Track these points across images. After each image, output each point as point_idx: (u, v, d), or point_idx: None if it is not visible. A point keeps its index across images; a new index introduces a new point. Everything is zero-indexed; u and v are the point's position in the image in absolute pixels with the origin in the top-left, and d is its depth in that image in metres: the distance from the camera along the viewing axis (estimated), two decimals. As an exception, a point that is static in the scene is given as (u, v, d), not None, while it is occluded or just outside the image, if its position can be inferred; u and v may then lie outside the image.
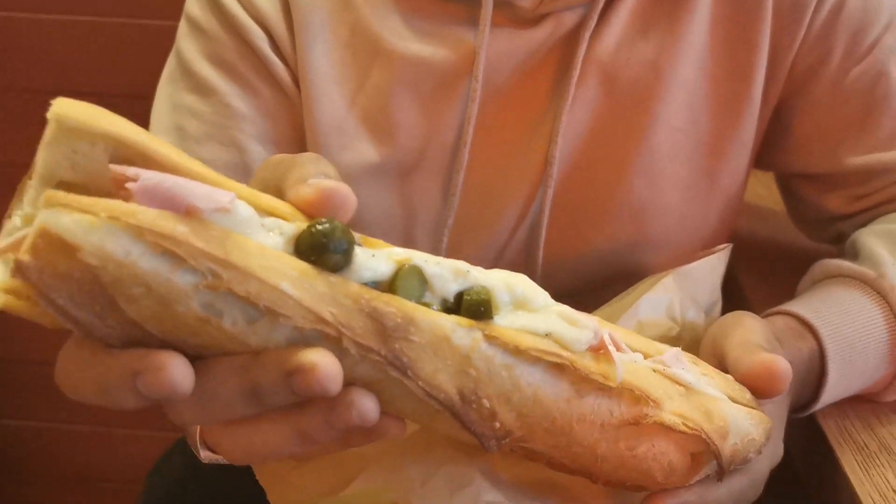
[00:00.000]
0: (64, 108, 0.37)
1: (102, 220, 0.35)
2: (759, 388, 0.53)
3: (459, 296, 0.43)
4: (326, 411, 0.40)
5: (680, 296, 0.66)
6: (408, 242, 0.78)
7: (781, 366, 0.53)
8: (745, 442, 0.50)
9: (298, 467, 0.54)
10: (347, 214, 0.42)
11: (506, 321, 0.43)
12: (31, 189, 0.39)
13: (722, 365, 0.57)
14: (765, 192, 1.10)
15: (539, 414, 0.43)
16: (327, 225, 0.40)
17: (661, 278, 0.67)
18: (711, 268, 0.70)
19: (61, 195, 0.35)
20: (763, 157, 0.84)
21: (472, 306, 0.42)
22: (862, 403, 0.72)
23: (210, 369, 0.39)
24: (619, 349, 0.47)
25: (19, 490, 1.71)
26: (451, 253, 0.78)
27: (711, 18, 0.75)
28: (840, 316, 0.69)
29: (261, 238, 0.39)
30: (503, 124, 0.76)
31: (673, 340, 0.64)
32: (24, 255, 0.35)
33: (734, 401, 0.50)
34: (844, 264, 0.74)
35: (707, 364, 0.53)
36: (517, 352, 0.42)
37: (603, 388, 0.45)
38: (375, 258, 0.41)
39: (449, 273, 0.43)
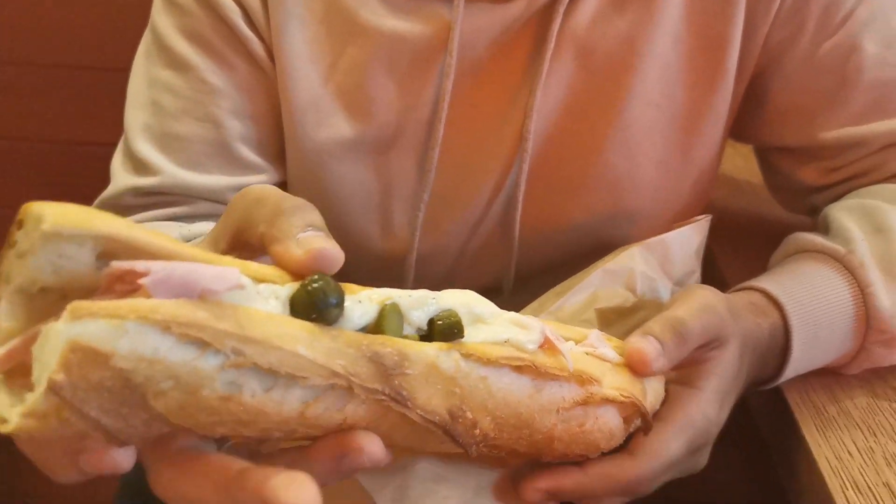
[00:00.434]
0: (54, 216, 0.38)
1: (130, 321, 0.36)
2: (629, 365, 0.55)
3: (430, 322, 0.46)
4: (338, 459, 0.43)
5: (643, 268, 0.68)
6: (385, 217, 0.80)
7: (648, 353, 0.55)
8: (657, 396, 0.57)
9: None
10: (335, 270, 0.44)
11: (470, 337, 0.47)
12: (2, 301, 0.39)
13: None
14: (742, 163, 1.12)
15: (508, 413, 0.48)
16: (321, 283, 0.42)
17: (626, 249, 0.69)
18: (684, 239, 0.72)
19: (86, 305, 0.36)
20: (739, 130, 0.85)
21: (446, 329, 0.46)
22: (824, 372, 0.74)
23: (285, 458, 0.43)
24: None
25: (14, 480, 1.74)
26: (428, 227, 0.80)
27: None
28: (807, 291, 0.71)
29: (261, 306, 0.41)
30: (479, 99, 0.77)
31: (629, 311, 0.67)
32: (58, 375, 0.35)
33: None
34: (817, 239, 0.75)
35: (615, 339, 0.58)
36: (488, 362, 0.46)
37: (556, 378, 0.49)
38: (362, 303, 0.44)
39: (418, 303, 0.46)
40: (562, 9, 0.74)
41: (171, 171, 0.77)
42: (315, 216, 0.46)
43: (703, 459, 0.61)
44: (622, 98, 0.77)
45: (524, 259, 0.82)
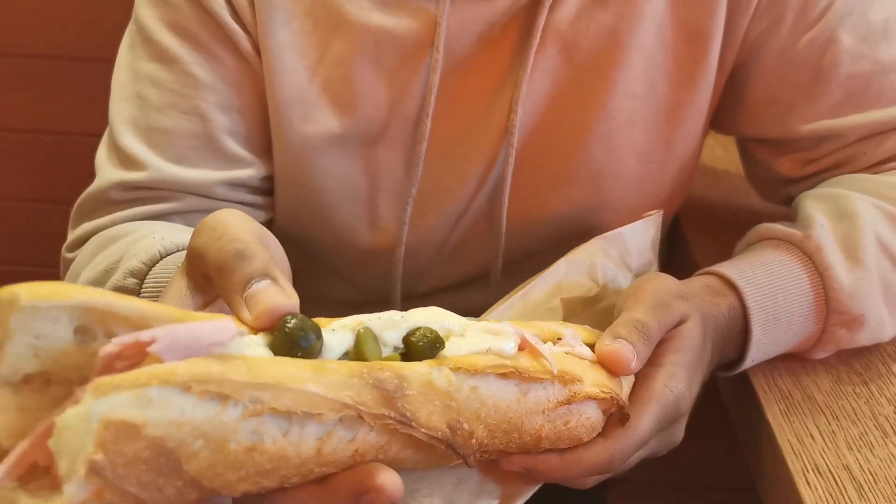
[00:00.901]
0: (27, 293, 0.38)
1: (153, 387, 0.37)
2: (606, 369, 0.57)
3: (408, 342, 0.48)
4: (356, 497, 0.43)
5: (603, 259, 0.70)
6: (372, 211, 0.81)
7: (621, 355, 0.57)
8: (629, 384, 0.60)
9: None
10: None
11: (451, 350, 0.49)
12: None
13: None
14: (722, 153, 1.13)
15: (499, 419, 0.49)
16: (296, 322, 0.44)
17: (588, 242, 0.71)
18: (639, 232, 0.74)
19: (108, 380, 0.36)
20: (718, 121, 0.87)
21: (428, 345, 0.47)
22: (790, 357, 0.76)
23: (291, 500, 0.43)
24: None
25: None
26: (415, 220, 0.81)
27: None
28: (764, 275, 0.73)
29: (251, 352, 0.42)
30: (464, 93, 0.78)
31: (593, 300, 0.69)
32: (97, 455, 0.35)
33: None
34: (776, 227, 0.77)
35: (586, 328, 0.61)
36: (475, 372, 0.48)
37: (540, 380, 0.51)
38: (336, 332, 0.46)
39: (389, 323, 0.48)
40: (548, 3, 0.75)
41: (157, 166, 0.77)
42: (257, 262, 0.46)
43: (678, 433, 0.63)
44: (606, 91, 0.78)
45: (511, 249, 0.83)
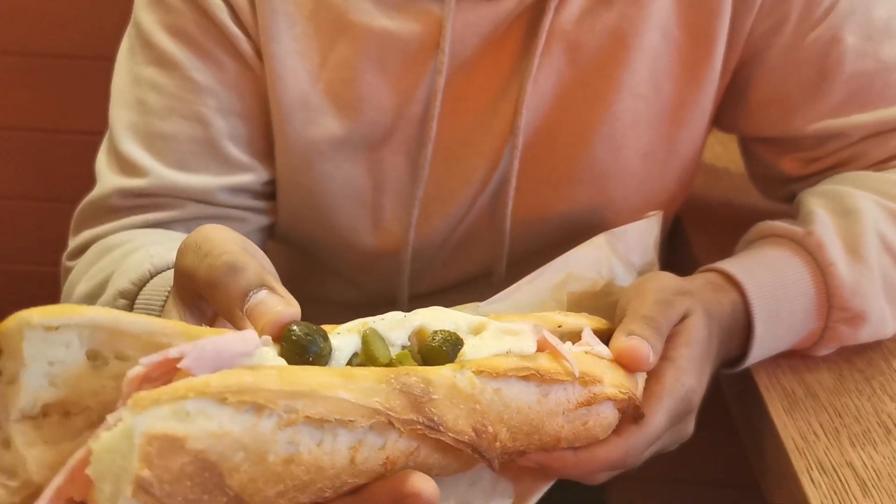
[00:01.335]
0: (38, 314, 0.38)
1: (191, 399, 0.37)
2: (624, 366, 0.57)
3: (425, 344, 0.48)
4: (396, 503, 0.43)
5: (609, 255, 0.70)
6: (376, 214, 0.81)
7: (639, 351, 0.57)
8: (643, 381, 0.60)
9: None
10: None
11: (469, 353, 0.49)
12: (13, 437, 0.39)
13: None
14: (721, 151, 1.13)
15: (521, 421, 0.49)
16: (302, 329, 0.44)
17: (593, 238, 0.71)
18: (642, 231, 0.74)
19: (146, 394, 0.36)
20: (721, 120, 0.87)
21: (450, 347, 0.48)
22: (793, 354, 0.76)
23: None
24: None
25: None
26: (420, 223, 0.81)
27: None
28: (766, 271, 0.73)
29: (269, 363, 0.42)
30: (469, 95, 0.78)
31: (598, 294, 0.69)
32: (143, 471, 0.35)
33: None
34: (777, 224, 0.77)
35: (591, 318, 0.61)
36: (497, 375, 0.48)
37: (561, 382, 0.51)
38: (341, 335, 0.46)
39: (393, 323, 0.48)
40: (553, 4, 0.75)
41: (158, 173, 0.77)
42: (250, 273, 0.46)
43: (689, 427, 0.64)
44: (611, 92, 0.78)
45: (514, 248, 0.84)
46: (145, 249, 0.69)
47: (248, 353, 0.40)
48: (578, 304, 0.68)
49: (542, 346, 0.52)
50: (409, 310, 0.90)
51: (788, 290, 0.72)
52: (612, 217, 0.82)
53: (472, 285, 0.87)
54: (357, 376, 0.43)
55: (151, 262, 0.66)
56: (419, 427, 0.43)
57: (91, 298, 0.71)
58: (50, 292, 1.68)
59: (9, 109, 1.51)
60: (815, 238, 0.73)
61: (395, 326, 0.48)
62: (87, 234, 0.79)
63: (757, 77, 0.81)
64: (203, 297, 0.49)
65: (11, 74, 1.49)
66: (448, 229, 0.83)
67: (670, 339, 0.63)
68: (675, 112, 0.80)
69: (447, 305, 0.87)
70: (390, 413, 0.42)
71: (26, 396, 0.40)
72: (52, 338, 0.40)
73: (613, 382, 0.55)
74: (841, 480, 0.64)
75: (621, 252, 0.72)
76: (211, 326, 0.50)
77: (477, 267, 0.86)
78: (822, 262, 0.73)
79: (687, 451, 0.69)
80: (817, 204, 0.77)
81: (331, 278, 0.91)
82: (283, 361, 0.42)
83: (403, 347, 0.48)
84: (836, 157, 0.82)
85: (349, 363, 0.45)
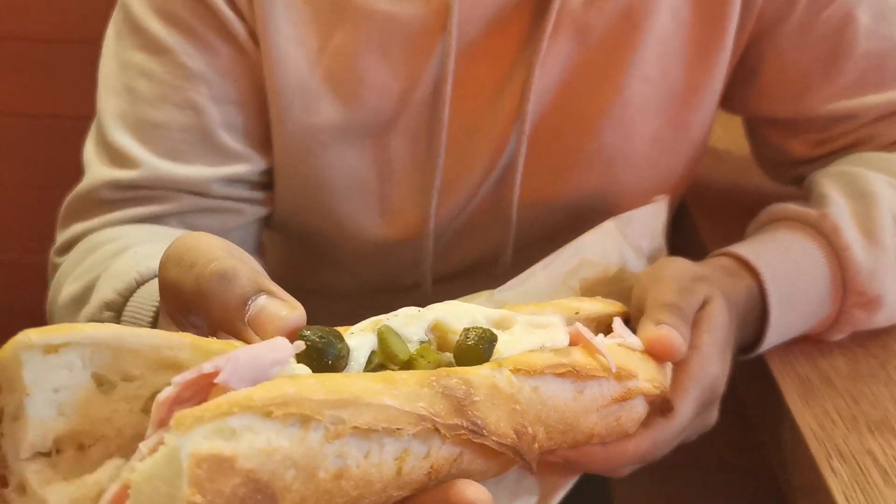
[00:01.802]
0: (35, 333, 0.36)
1: (235, 416, 0.34)
2: (656, 356, 0.56)
3: (460, 344, 0.45)
4: None
5: (620, 241, 0.69)
6: (383, 203, 0.79)
7: (671, 339, 0.56)
8: (670, 372, 0.59)
9: None
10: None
11: (502, 350, 0.46)
12: (28, 478, 0.36)
13: None
14: (722, 132, 1.12)
15: (557, 419, 0.47)
16: (315, 331, 0.41)
17: (602, 224, 0.69)
18: (650, 216, 0.73)
19: (187, 413, 0.33)
20: (728, 100, 0.85)
21: (486, 345, 0.45)
22: (806, 340, 0.75)
23: None
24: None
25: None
26: (436, 212, 0.79)
27: None
28: (780, 255, 0.72)
29: (295, 370, 0.39)
30: (475, 79, 0.76)
31: (611, 280, 0.68)
32: (195, 496, 0.32)
33: None
34: (790, 207, 0.76)
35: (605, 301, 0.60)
36: (534, 373, 0.46)
37: (596, 377, 0.49)
38: (355, 335, 0.43)
39: (408, 319, 0.46)
40: None
41: (151, 164, 0.74)
42: (243, 279, 0.43)
43: (713, 416, 0.63)
44: (620, 75, 0.76)
45: (520, 235, 0.82)
46: (132, 253, 0.66)
47: (282, 362, 0.38)
48: (591, 290, 0.67)
49: (576, 340, 0.50)
50: (412, 298, 0.88)
51: (803, 275, 0.71)
52: (619, 202, 0.80)
53: (478, 273, 0.85)
54: (399, 380, 0.40)
55: (137, 271, 0.63)
56: (463, 432, 0.41)
57: (77, 303, 0.68)
58: (37, 282, 1.66)
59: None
60: (830, 221, 0.72)
61: (411, 322, 0.46)
62: (76, 229, 0.75)
63: (767, 56, 0.80)
64: (193, 310, 0.45)
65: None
66: (451, 216, 0.81)
67: (693, 326, 0.61)
68: (684, 95, 0.79)
69: (455, 292, 0.86)
70: (436, 418, 0.40)
71: (35, 430, 0.37)
72: (52, 361, 0.37)
73: (647, 376, 0.53)
74: (861, 468, 0.63)
75: (631, 237, 0.71)
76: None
77: (482, 253, 0.84)
78: (838, 246, 0.71)
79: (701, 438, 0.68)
80: (831, 186, 0.75)
81: (328, 268, 0.88)
82: (307, 369, 0.40)
83: (421, 343, 0.46)
84: (848, 138, 0.81)
85: (368, 362, 0.43)
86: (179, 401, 0.36)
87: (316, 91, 0.75)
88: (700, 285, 0.63)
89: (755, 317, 0.70)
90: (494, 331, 0.48)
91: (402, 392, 0.40)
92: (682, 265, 0.65)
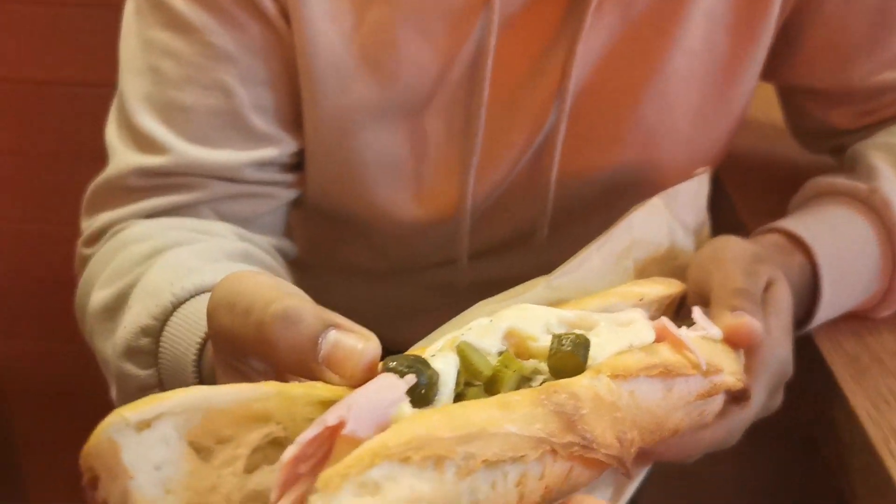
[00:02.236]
0: (127, 411, 0.35)
1: (377, 467, 0.33)
2: (737, 345, 0.55)
3: (554, 354, 0.44)
4: None
5: (669, 218, 0.68)
6: (418, 183, 0.77)
7: (752, 327, 0.55)
8: (742, 359, 0.57)
9: None
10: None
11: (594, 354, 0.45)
12: None
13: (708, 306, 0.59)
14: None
15: (649, 420, 0.46)
16: (401, 360, 0.39)
17: (648, 201, 0.68)
18: (695, 190, 0.71)
19: (331, 472, 0.32)
20: (767, 71, 0.82)
21: (583, 351, 0.44)
22: (852, 317, 0.74)
23: None
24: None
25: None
26: (473, 191, 0.77)
27: None
28: (831, 231, 0.71)
29: (405, 407, 0.38)
30: (515, 54, 0.73)
31: (663, 259, 0.66)
32: None
33: None
34: (837, 181, 0.74)
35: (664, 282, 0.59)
36: (629, 376, 0.44)
37: (685, 375, 0.48)
38: (437, 357, 0.42)
39: (482, 331, 0.44)
40: None
41: (180, 149, 0.71)
42: (308, 316, 0.41)
43: (779, 398, 0.62)
44: (664, 49, 0.74)
45: (556, 209, 0.80)
46: (163, 263, 0.64)
47: (398, 401, 0.36)
48: (644, 271, 0.66)
49: (661, 336, 0.49)
50: (445, 274, 0.86)
51: (854, 252, 0.71)
52: (658, 176, 0.79)
53: (514, 249, 0.83)
54: (513, 403, 0.39)
55: (172, 293, 0.61)
56: (576, 448, 0.40)
57: (108, 312, 0.66)
58: (32, 250, 1.63)
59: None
60: (881, 196, 0.71)
61: (485, 334, 0.45)
62: (103, 218, 0.73)
63: (811, 26, 0.78)
64: (254, 356, 0.43)
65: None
66: (488, 193, 0.79)
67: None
68: (728, 68, 0.76)
69: (491, 268, 0.84)
70: (552, 439, 0.39)
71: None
72: (147, 437, 0.35)
73: (730, 369, 0.52)
74: (920, 451, 0.62)
75: (678, 213, 0.70)
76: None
77: (518, 228, 0.82)
78: (889, 222, 0.71)
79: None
80: (879, 158, 0.74)
81: (357, 247, 0.86)
82: (408, 402, 0.38)
83: (499, 353, 0.44)
84: (891, 110, 0.80)
85: (457, 383, 0.41)
86: (303, 458, 0.34)
87: (351, 70, 0.72)
88: (763, 267, 0.62)
89: (806, 294, 0.69)
90: (563, 330, 0.46)
91: (519, 415, 0.38)
92: (740, 245, 0.63)
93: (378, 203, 0.77)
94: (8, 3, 1.38)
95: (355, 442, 0.34)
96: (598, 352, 0.45)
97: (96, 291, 0.68)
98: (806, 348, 0.73)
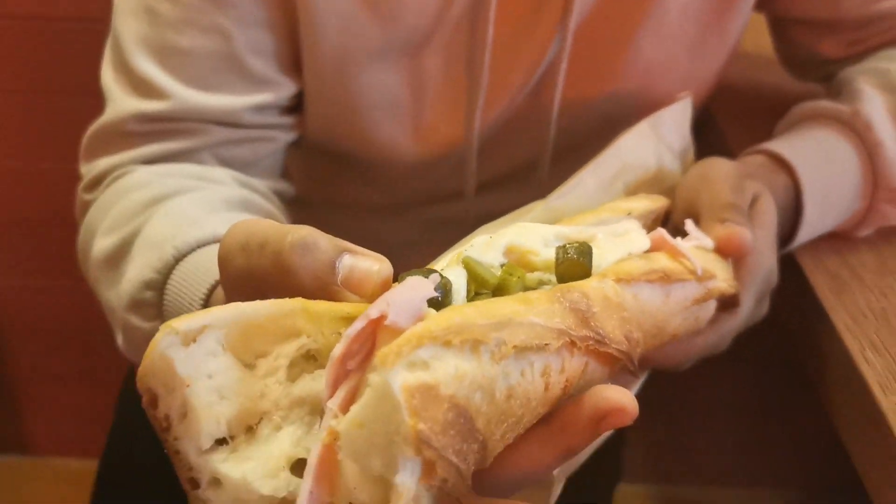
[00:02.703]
0: (173, 322, 0.36)
1: (425, 347, 0.35)
2: (728, 254, 0.58)
3: (562, 260, 0.46)
4: (597, 422, 0.40)
5: (656, 142, 0.70)
6: (416, 122, 0.78)
7: (742, 236, 0.58)
8: (731, 269, 0.60)
9: None
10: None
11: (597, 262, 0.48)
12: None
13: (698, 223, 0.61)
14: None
15: (651, 324, 0.49)
16: (415, 273, 0.41)
17: (635, 126, 0.70)
18: (679, 114, 0.73)
19: (388, 350, 0.34)
20: (763, 1, 0.84)
21: (587, 257, 0.46)
22: (834, 236, 0.77)
23: (520, 455, 0.40)
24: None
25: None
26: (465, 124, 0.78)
27: None
28: (814, 153, 0.73)
29: (429, 311, 0.39)
30: None
31: (652, 182, 0.69)
32: (417, 424, 0.33)
33: None
34: (821, 104, 0.76)
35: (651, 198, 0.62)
36: (632, 280, 0.47)
37: (682, 281, 0.51)
38: (446, 271, 0.43)
39: (483, 248, 0.46)
40: None
41: (179, 94, 0.71)
42: (323, 243, 0.42)
43: (765, 306, 0.65)
44: None
45: (558, 140, 0.82)
46: (164, 214, 0.65)
47: (429, 294, 0.39)
48: (634, 193, 0.68)
49: (658, 245, 0.51)
50: (452, 208, 0.87)
51: (837, 173, 0.73)
52: (655, 109, 0.79)
53: (516, 182, 0.85)
54: (533, 300, 0.41)
55: (173, 245, 0.62)
56: (591, 342, 0.42)
57: (111, 261, 0.67)
58: (27, 189, 1.63)
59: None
60: (863, 118, 0.73)
61: (486, 250, 0.47)
62: (103, 164, 0.73)
63: None
64: (272, 290, 0.44)
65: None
66: (490, 126, 0.81)
67: None
68: (724, 1, 0.78)
69: (497, 201, 0.86)
70: (571, 331, 0.41)
71: (207, 418, 0.37)
72: (195, 350, 0.37)
73: (722, 276, 0.55)
74: (894, 360, 0.65)
75: (664, 137, 0.72)
76: None
77: (521, 161, 0.84)
78: (870, 143, 0.73)
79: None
80: (864, 81, 0.76)
81: (355, 184, 0.88)
82: (431, 308, 0.40)
83: (501, 265, 0.47)
84: (879, 38, 0.81)
85: (467, 292, 0.44)
86: (350, 354, 0.37)
87: (352, 11, 0.72)
88: (749, 183, 0.64)
89: (790, 213, 0.72)
90: (548, 243, 0.49)
91: (540, 310, 0.41)
92: (727, 164, 0.66)
93: (379, 142, 0.79)
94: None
95: (397, 332, 0.36)
96: (600, 261, 0.48)
97: (98, 239, 0.69)
98: (789, 266, 0.76)
